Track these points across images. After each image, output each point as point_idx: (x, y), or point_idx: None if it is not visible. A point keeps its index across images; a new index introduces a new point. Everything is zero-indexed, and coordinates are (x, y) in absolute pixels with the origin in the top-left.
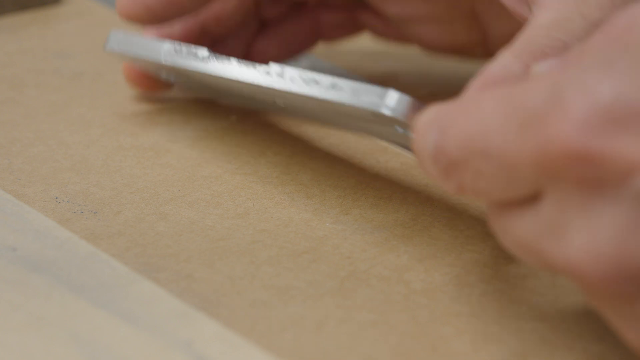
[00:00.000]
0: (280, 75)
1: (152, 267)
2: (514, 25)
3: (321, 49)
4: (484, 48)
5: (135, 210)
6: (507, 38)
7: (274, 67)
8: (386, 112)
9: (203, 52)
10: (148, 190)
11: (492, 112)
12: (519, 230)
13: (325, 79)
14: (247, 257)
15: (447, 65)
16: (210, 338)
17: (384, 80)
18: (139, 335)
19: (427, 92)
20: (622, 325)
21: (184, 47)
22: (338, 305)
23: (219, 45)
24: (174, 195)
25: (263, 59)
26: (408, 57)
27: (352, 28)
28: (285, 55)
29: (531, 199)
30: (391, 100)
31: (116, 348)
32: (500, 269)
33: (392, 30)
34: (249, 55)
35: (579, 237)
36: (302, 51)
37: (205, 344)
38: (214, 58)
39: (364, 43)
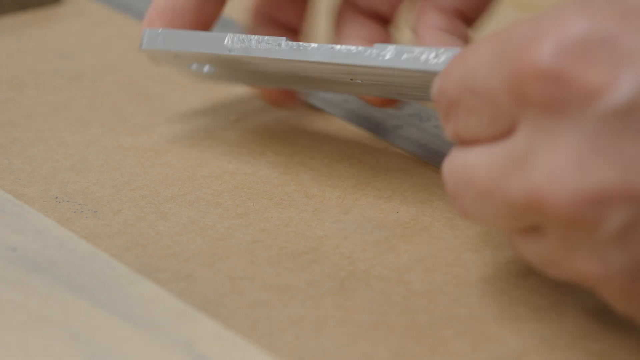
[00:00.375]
0: (382, 54)
1: (152, 267)
2: None
3: None
4: None
5: (135, 208)
6: None
7: (382, 47)
8: None
9: (280, 40)
10: (148, 188)
11: (483, 53)
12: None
13: (420, 52)
14: (247, 257)
15: None
16: (210, 338)
17: None
18: (139, 335)
19: None
20: (586, 259)
21: (252, 36)
22: (338, 306)
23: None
24: (174, 194)
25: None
26: None
27: None
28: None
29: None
30: None
31: (116, 348)
32: (500, 269)
33: None
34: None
35: (542, 163)
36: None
37: (205, 344)
38: (296, 44)
39: None
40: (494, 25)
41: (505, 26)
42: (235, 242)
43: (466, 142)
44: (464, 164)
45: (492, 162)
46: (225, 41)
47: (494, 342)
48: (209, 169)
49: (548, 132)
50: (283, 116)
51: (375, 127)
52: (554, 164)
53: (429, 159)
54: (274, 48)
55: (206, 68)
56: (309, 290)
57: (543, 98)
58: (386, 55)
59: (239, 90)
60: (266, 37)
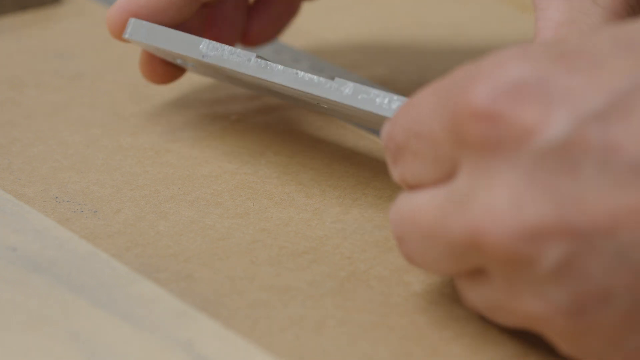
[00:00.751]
0: (341, 89)
1: (152, 267)
2: None
3: (321, 48)
4: None
5: (135, 208)
6: None
7: (342, 83)
8: None
9: (250, 55)
10: (148, 187)
11: (427, 98)
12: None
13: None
14: (247, 257)
15: (447, 66)
16: (210, 338)
17: (384, 80)
18: (139, 335)
19: None
20: (529, 299)
21: (225, 46)
22: (338, 306)
23: (214, 24)
24: (174, 194)
25: (259, 41)
26: (407, 56)
27: None
28: (277, 31)
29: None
30: None
31: (116, 348)
32: None
33: None
34: (246, 38)
35: (480, 202)
36: (289, 22)
37: (205, 344)
38: (264, 63)
39: (364, 42)
40: (494, 25)
41: (451, 73)
42: (235, 242)
43: (412, 186)
44: (409, 207)
45: (435, 204)
46: (200, 46)
47: (493, 343)
48: (209, 169)
49: (486, 171)
50: (283, 116)
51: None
52: (492, 202)
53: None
54: (244, 62)
55: (190, 64)
56: (309, 291)
57: (480, 138)
58: (344, 91)
59: (238, 90)
60: (238, 50)
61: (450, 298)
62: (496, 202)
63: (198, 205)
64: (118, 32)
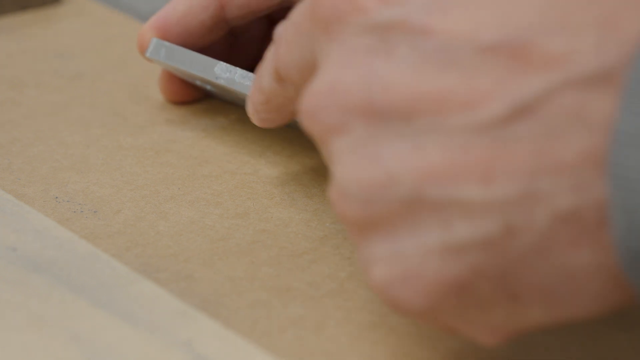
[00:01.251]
0: None
1: (152, 267)
2: None
3: None
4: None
5: (135, 208)
6: None
7: None
8: None
9: None
10: (148, 188)
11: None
12: None
13: None
14: (247, 257)
15: None
16: (210, 338)
17: None
18: (139, 335)
19: None
20: (338, 165)
21: (238, 70)
22: (338, 307)
23: (235, 44)
24: (174, 194)
25: None
26: None
27: None
28: None
29: None
30: None
31: (116, 348)
32: None
33: None
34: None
35: (314, 81)
36: None
37: (205, 344)
38: None
39: None
40: None
41: None
42: (235, 242)
43: (282, 79)
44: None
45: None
46: (215, 68)
47: None
48: (209, 169)
49: (323, 50)
50: None
51: None
52: (317, 80)
53: None
54: (248, 82)
55: (208, 86)
56: (309, 291)
57: (328, 10)
58: None
59: None
60: (249, 74)
61: None
62: (319, 80)
63: (198, 205)
64: (145, 45)
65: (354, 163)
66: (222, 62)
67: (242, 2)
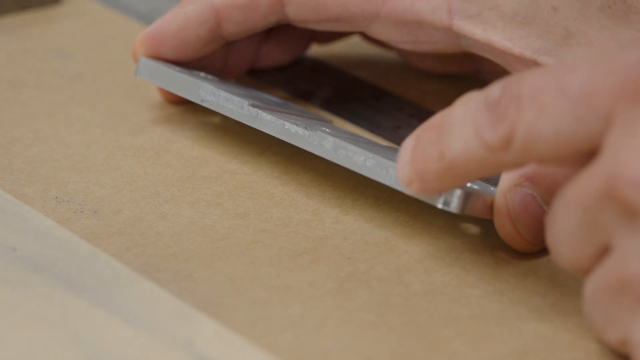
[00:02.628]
0: (334, 150)
1: (152, 267)
2: (503, 63)
3: (320, 48)
4: (477, 75)
5: (135, 209)
6: (498, 71)
7: (323, 137)
8: (449, 209)
9: (244, 103)
10: (148, 189)
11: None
12: None
13: (382, 163)
14: (247, 257)
15: None
16: (210, 338)
17: (386, 75)
18: (139, 335)
19: (431, 89)
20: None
21: (222, 92)
22: (338, 306)
23: (232, 46)
24: (174, 195)
25: (268, 61)
26: None
27: (342, 34)
28: (287, 56)
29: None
30: (455, 200)
31: (116, 348)
32: (500, 269)
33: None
34: (257, 56)
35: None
36: (301, 52)
37: (205, 344)
38: (255, 111)
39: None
40: None
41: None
42: (235, 242)
43: (509, 146)
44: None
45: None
46: (200, 91)
47: (494, 342)
48: (209, 169)
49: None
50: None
51: (375, 127)
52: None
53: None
54: (237, 110)
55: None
56: (309, 291)
57: None
58: (325, 145)
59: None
60: (233, 97)
61: (450, 297)
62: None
63: (198, 205)
64: (138, 57)
65: None
66: (206, 84)
67: (239, 19)
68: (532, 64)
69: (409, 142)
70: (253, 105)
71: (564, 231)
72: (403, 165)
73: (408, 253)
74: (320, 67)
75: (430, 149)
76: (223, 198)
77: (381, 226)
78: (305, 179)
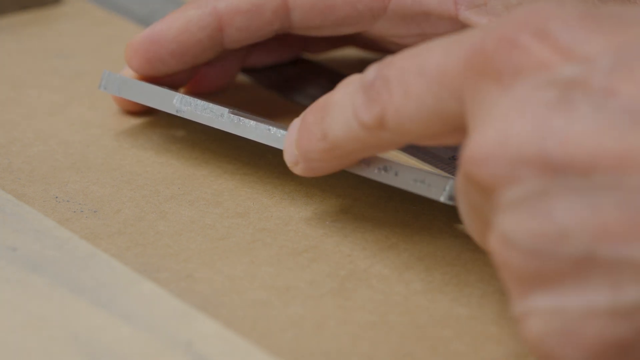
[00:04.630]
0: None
1: (152, 267)
2: None
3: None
4: None
5: (135, 208)
6: None
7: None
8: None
9: (223, 110)
10: (148, 187)
11: (435, 48)
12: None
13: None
14: (247, 256)
15: None
16: (210, 338)
17: None
18: (139, 335)
19: None
20: (506, 214)
21: (198, 101)
22: (338, 306)
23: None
24: (174, 194)
25: (256, 67)
26: None
27: (336, 44)
28: (276, 62)
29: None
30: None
31: (116, 348)
32: None
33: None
34: (245, 63)
35: (475, 131)
36: (290, 58)
37: (205, 344)
38: (237, 118)
39: None
40: None
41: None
42: (235, 241)
43: (385, 126)
44: None
45: None
46: (174, 101)
47: (493, 342)
48: (209, 169)
49: (485, 101)
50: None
51: None
52: (484, 130)
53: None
54: (216, 118)
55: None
56: (309, 290)
57: (501, 62)
58: None
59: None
60: (211, 105)
61: (450, 297)
62: (488, 129)
63: (198, 204)
64: (133, 63)
65: (524, 214)
66: (179, 94)
67: (241, 25)
68: None
69: (296, 123)
70: (233, 113)
71: (463, 214)
72: (289, 145)
73: (408, 251)
74: (311, 66)
75: (314, 129)
76: (223, 197)
77: (381, 225)
78: (305, 178)
